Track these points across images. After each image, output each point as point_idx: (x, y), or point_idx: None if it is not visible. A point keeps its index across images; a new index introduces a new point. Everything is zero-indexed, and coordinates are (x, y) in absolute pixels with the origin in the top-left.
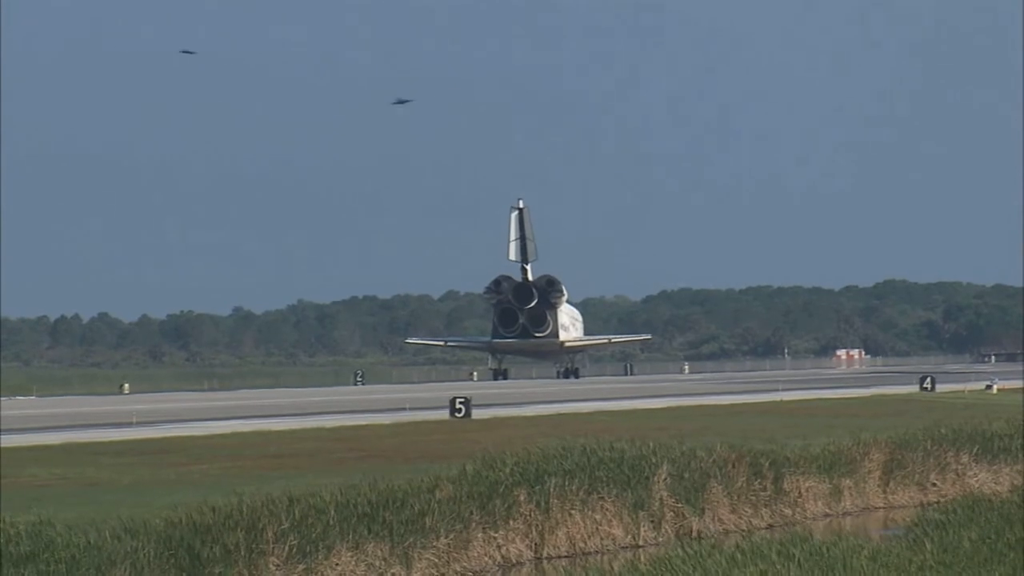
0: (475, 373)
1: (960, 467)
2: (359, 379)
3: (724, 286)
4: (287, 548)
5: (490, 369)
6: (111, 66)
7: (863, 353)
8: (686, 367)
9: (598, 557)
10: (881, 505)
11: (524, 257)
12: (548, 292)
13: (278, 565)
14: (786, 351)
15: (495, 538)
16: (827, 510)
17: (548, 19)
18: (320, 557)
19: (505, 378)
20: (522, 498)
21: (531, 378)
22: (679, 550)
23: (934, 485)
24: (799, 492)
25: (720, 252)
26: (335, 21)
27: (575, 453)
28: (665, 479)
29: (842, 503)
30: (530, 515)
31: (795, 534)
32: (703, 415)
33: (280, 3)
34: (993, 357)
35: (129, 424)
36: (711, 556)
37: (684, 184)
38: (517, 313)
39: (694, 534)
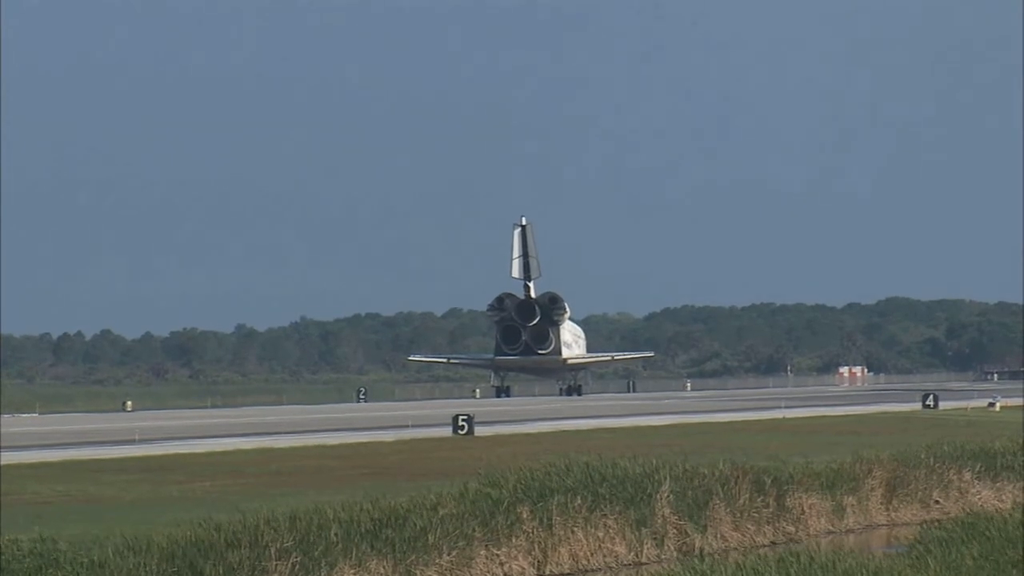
0: (478, 390)
1: (963, 485)
2: (362, 396)
3: (727, 303)
4: (290, 565)
5: (493, 386)
6: (113, 83)
7: (866, 370)
8: (688, 385)
9: (601, 574)
10: (884, 522)
11: (527, 274)
12: (551, 309)
13: None
14: (789, 368)
15: (497, 555)
16: (830, 527)
17: (551, 33)
18: (323, 574)
19: (508, 395)
20: (525, 515)
21: (534, 395)
22: (681, 567)
23: (937, 503)
24: (802, 509)
25: (723, 270)
26: (337, 33)
27: (578, 470)
28: (668, 496)
29: (845, 520)
30: (533, 532)
31: (798, 551)
32: (706, 432)
33: (282, 18)
34: (996, 375)
35: (132, 441)
36: (714, 573)
37: (686, 202)
38: (520, 330)
39: (697, 551)
